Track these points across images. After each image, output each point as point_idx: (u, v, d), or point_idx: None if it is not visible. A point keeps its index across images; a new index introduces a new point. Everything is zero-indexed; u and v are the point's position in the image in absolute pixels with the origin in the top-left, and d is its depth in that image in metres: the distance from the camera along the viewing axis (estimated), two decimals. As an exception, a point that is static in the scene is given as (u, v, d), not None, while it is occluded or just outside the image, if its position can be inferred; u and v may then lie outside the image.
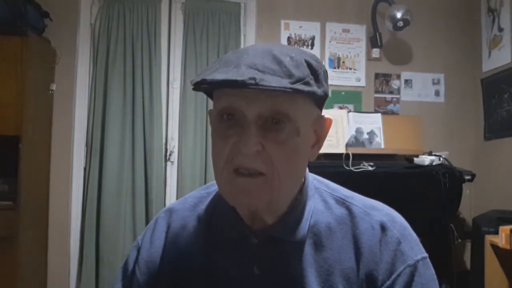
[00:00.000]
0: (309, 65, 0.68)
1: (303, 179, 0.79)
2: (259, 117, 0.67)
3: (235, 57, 0.68)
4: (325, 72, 0.73)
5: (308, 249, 0.75)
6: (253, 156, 0.66)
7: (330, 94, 3.23)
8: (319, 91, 0.69)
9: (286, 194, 0.73)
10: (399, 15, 3.07)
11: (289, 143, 0.68)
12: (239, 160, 0.67)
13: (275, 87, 0.62)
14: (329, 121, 0.77)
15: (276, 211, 0.75)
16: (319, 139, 0.76)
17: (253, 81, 0.62)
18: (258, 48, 0.70)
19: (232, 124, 0.68)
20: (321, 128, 0.76)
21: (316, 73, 0.69)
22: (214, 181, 0.77)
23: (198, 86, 0.67)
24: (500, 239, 2.26)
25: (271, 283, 0.74)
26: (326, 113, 0.76)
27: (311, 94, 0.67)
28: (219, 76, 0.64)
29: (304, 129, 0.70)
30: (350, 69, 3.33)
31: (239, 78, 0.62)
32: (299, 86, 0.64)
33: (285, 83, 0.63)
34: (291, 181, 0.71)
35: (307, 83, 0.66)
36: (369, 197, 0.82)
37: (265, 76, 0.63)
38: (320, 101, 0.73)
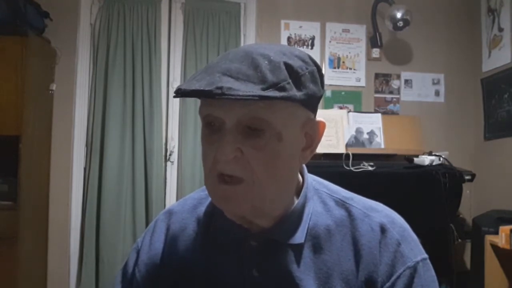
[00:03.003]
0: (289, 68, 0.66)
1: (302, 181, 0.79)
2: (238, 124, 0.66)
3: (215, 63, 0.68)
4: (313, 72, 0.70)
5: (307, 251, 0.75)
6: (232, 162, 0.67)
7: (330, 94, 3.23)
8: (298, 94, 0.66)
9: (272, 199, 0.71)
10: (399, 15, 3.07)
11: (269, 149, 0.67)
12: (219, 166, 0.68)
13: (242, 96, 0.61)
14: (323, 124, 0.75)
15: (268, 215, 0.74)
16: (312, 143, 0.74)
17: (219, 91, 0.61)
18: (239, 52, 0.69)
19: (214, 130, 0.69)
20: (314, 131, 0.74)
21: (297, 74, 0.66)
22: None
23: (177, 94, 0.67)
24: (500, 239, 2.26)
25: (270, 286, 0.74)
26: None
27: (286, 99, 0.64)
28: (192, 85, 0.64)
29: (287, 134, 0.68)
30: (350, 69, 3.33)
31: (207, 88, 0.62)
32: (270, 92, 0.63)
33: (256, 89, 0.62)
34: (275, 186, 0.70)
35: (281, 88, 0.64)
36: (369, 197, 0.82)
37: (237, 83, 0.62)
38: (308, 103, 0.70)
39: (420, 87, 3.39)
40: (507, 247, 2.21)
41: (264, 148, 0.67)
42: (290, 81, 0.65)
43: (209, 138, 0.70)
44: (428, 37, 3.40)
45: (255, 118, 0.66)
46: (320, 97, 0.73)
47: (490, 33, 3.18)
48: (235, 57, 0.67)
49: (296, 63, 0.68)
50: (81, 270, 2.92)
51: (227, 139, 0.66)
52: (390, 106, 3.35)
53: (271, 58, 0.66)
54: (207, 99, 0.67)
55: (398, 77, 3.38)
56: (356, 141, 2.97)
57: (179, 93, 0.65)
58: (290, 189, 0.76)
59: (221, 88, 0.62)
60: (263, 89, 0.63)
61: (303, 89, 0.67)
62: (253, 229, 0.76)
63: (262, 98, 0.62)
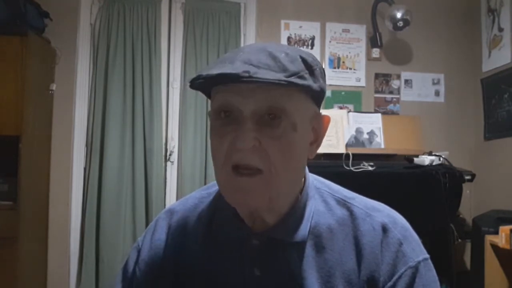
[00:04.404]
0: (304, 61, 0.69)
1: (304, 179, 0.79)
2: (255, 113, 0.67)
3: (230, 55, 0.69)
4: (322, 69, 0.73)
5: (309, 250, 0.75)
6: (250, 151, 0.66)
7: (330, 94, 3.23)
8: (314, 85, 0.69)
9: (286, 191, 0.72)
10: (399, 15, 3.07)
11: (286, 138, 0.68)
12: (237, 156, 0.67)
13: (270, 79, 0.63)
14: (328, 118, 0.77)
15: (277, 210, 0.74)
16: (318, 137, 0.76)
17: (247, 74, 0.62)
18: (253, 46, 0.71)
19: (229, 121, 0.68)
20: (320, 125, 0.76)
21: (312, 68, 0.69)
22: (215, 182, 0.77)
23: (194, 83, 0.68)
24: (500, 239, 2.26)
25: (271, 285, 0.74)
26: (326, 113, 0.77)
27: (307, 88, 0.68)
28: (214, 71, 0.65)
29: (301, 125, 0.70)
30: (350, 69, 3.33)
31: (234, 72, 0.63)
32: (294, 79, 0.65)
33: (280, 76, 0.64)
34: (289, 177, 0.71)
35: (302, 77, 0.66)
36: (369, 197, 0.82)
37: (260, 71, 0.64)
38: (317, 97, 0.73)
39: (420, 87, 3.39)
40: (507, 247, 2.21)
41: (281, 137, 0.68)
42: (307, 72, 0.68)
43: (222, 130, 0.69)
44: (428, 37, 3.40)
45: (274, 106, 0.67)
46: (325, 94, 0.75)
47: (490, 33, 3.18)
48: (251, 50, 0.69)
49: (308, 58, 0.70)
50: (81, 270, 2.91)
51: (247, 127, 0.66)
52: (390, 106, 3.35)
53: (287, 51, 0.68)
54: (226, 88, 0.68)
55: (398, 77, 3.38)
56: (356, 141, 2.97)
57: (201, 78, 0.66)
58: (299, 183, 0.77)
59: (248, 71, 0.62)
60: (286, 77, 0.65)
61: (316, 81, 0.70)
62: (255, 228, 0.76)
63: (288, 83, 0.64)
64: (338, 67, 3.32)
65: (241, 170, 0.68)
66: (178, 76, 3.13)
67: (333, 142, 2.82)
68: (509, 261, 2.37)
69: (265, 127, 0.67)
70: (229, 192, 0.71)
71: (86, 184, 2.98)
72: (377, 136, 3.03)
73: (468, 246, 3.05)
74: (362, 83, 3.33)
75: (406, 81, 3.38)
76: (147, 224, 2.90)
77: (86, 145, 3.02)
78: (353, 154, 2.68)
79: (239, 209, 0.75)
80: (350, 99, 3.30)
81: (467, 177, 2.77)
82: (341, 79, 3.31)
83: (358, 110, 3.25)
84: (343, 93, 3.30)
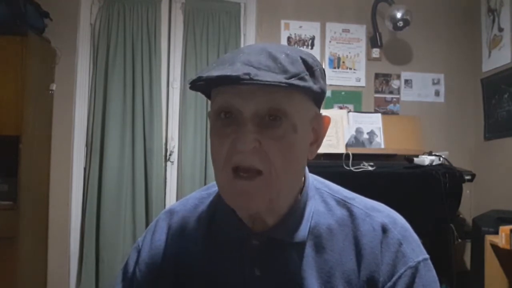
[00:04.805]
0: (305, 62, 0.69)
1: (304, 180, 0.79)
2: (255, 114, 0.67)
3: (230, 56, 0.69)
4: (322, 70, 0.73)
5: (308, 251, 0.75)
6: (250, 153, 0.66)
7: (330, 94, 3.23)
8: (315, 86, 0.69)
9: (286, 192, 0.72)
10: (399, 15, 3.07)
11: (286, 139, 0.68)
12: (237, 158, 0.67)
13: (270, 81, 0.63)
14: (328, 119, 0.77)
15: (277, 211, 0.74)
16: (318, 138, 0.76)
17: (247, 76, 0.62)
18: (253, 47, 0.71)
19: (229, 122, 0.68)
20: (320, 126, 0.76)
21: (312, 69, 0.69)
22: (215, 182, 0.77)
23: (194, 84, 0.68)
24: (500, 239, 2.26)
25: (271, 285, 0.74)
26: (326, 113, 0.77)
27: (307, 89, 0.67)
28: (214, 73, 0.65)
29: (301, 126, 0.70)
30: (350, 69, 3.33)
31: (234, 74, 0.63)
32: (294, 81, 0.65)
33: (280, 78, 0.64)
34: (290, 178, 0.71)
35: (302, 79, 0.66)
36: (369, 198, 0.82)
37: (260, 72, 0.64)
38: (317, 98, 0.73)
39: (420, 87, 3.39)
40: (507, 247, 2.21)
41: (282, 138, 0.68)
42: (308, 73, 0.68)
43: (223, 132, 0.69)
44: (428, 37, 3.40)
45: (275, 107, 0.67)
46: (325, 95, 0.75)
47: (490, 33, 3.18)
48: (252, 51, 0.68)
49: (309, 59, 0.70)
50: (81, 270, 2.92)
51: (248, 129, 0.66)
52: (390, 106, 3.35)
53: (288, 52, 0.68)
54: (226, 89, 0.68)
55: (398, 77, 3.38)
56: (356, 141, 2.97)
57: (201, 80, 0.66)
58: (299, 184, 0.77)
59: (248, 74, 0.62)
60: (286, 78, 0.64)
61: (317, 82, 0.70)
62: (255, 228, 0.76)
63: (288, 85, 0.64)
64: (338, 67, 3.32)
65: (241, 173, 0.68)
66: (178, 76, 3.13)
67: (333, 142, 2.83)
68: (509, 261, 2.37)
69: (266, 129, 0.67)
70: (229, 196, 0.71)
71: (86, 184, 2.98)
72: (377, 136, 3.02)
73: (468, 246, 3.05)
74: (362, 83, 3.33)
75: (406, 81, 3.38)
76: (147, 224, 2.90)
77: (86, 145, 3.02)
78: (353, 154, 2.68)
79: (238, 212, 0.75)
80: (350, 99, 3.30)
81: (467, 177, 2.77)
82: (341, 79, 3.31)
83: (358, 110, 3.25)
84: (343, 93, 3.30)
